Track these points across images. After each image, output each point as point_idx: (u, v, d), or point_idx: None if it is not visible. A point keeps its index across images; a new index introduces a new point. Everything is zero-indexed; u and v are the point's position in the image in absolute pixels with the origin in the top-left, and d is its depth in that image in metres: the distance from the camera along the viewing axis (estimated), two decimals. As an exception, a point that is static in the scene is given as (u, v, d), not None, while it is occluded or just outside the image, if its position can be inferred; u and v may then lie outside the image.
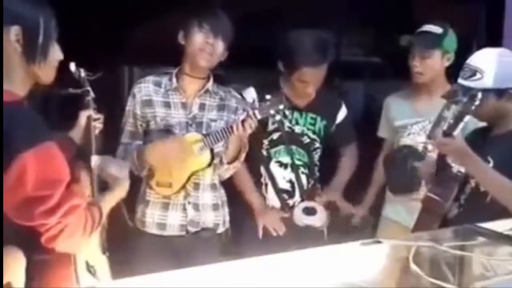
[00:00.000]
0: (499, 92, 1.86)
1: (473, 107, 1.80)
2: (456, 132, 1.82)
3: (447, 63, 2.39)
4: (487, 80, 1.84)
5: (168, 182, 2.12)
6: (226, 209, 2.26)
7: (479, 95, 1.79)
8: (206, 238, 2.17)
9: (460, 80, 1.90)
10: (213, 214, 2.20)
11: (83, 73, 1.81)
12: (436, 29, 2.36)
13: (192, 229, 2.16)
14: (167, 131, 2.13)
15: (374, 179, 2.62)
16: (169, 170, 2.10)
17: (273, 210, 2.42)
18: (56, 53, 1.41)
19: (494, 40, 2.91)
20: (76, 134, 1.79)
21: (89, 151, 1.72)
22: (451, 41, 2.38)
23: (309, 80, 2.29)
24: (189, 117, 2.14)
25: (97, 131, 1.82)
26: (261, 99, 2.26)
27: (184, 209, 2.16)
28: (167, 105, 2.15)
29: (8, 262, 1.26)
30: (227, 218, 2.27)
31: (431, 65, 2.36)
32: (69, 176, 1.33)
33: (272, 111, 2.04)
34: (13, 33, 1.32)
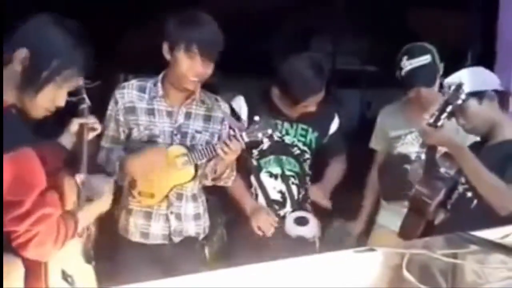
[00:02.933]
0: (478, 95, 1.94)
1: (459, 100, 1.85)
2: (440, 123, 1.88)
3: (440, 72, 2.41)
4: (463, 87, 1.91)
5: (150, 192, 2.07)
6: (206, 216, 2.23)
7: (465, 87, 1.85)
8: (189, 247, 2.14)
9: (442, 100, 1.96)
10: (195, 223, 2.17)
11: (81, 81, 1.81)
12: (425, 59, 2.33)
13: (176, 239, 2.13)
14: (151, 141, 2.06)
15: (366, 197, 2.63)
16: (151, 181, 2.05)
17: (265, 209, 2.39)
18: (53, 97, 1.39)
19: (488, 47, 2.94)
20: (66, 140, 1.76)
21: (81, 158, 1.71)
22: (438, 57, 2.39)
23: (312, 103, 2.31)
24: (174, 126, 2.07)
25: (89, 137, 1.81)
26: (250, 109, 2.27)
27: (167, 219, 2.11)
28: (151, 112, 2.07)
29: None
30: (207, 224, 2.23)
31: (435, 88, 2.37)
32: (45, 184, 1.31)
33: (260, 135, 1.98)
34: (22, 55, 1.32)
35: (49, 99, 1.39)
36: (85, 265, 1.62)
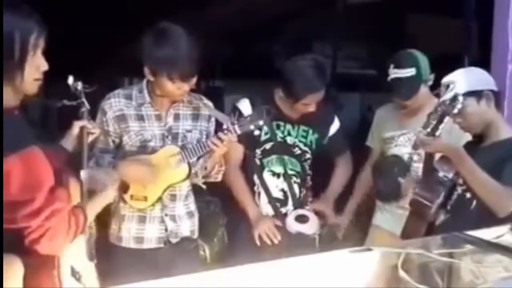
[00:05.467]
0: (476, 95, 1.97)
1: (454, 109, 1.89)
2: (438, 133, 1.92)
3: (430, 83, 2.43)
4: (460, 87, 1.95)
5: (143, 195, 2.09)
6: (197, 215, 2.26)
7: (460, 98, 1.89)
8: (185, 248, 2.17)
9: (441, 99, 1.99)
10: (189, 222, 2.20)
11: (80, 86, 1.83)
12: (410, 72, 2.34)
13: (173, 240, 2.15)
14: (143, 146, 2.09)
15: (356, 189, 2.67)
16: (144, 184, 2.07)
17: (268, 218, 2.44)
18: (37, 65, 1.40)
19: (483, 52, 2.96)
20: (68, 143, 1.81)
21: (81, 161, 1.74)
22: (425, 68, 2.39)
23: (312, 102, 2.37)
24: (164, 128, 2.11)
25: (89, 140, 1.84)
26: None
27: (162, 221, 2.14)
28: (141, 118, 2.10)
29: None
30: (197, 224, 2.26)
31: (420, 97, 2.39)
32: (53, 181, 1.34)
33: (252, 127, 2.02)
34: None
35: (34, 70, 1.40)
36: (88, 263, 1.66)
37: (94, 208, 1.58)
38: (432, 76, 2.41)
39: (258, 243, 2.40)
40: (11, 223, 1.29)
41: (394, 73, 2.37)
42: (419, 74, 2.36)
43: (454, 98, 1.89)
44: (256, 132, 2.07)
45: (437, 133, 1.92)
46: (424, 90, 2.39)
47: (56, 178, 1.36)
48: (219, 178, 2.19)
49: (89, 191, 1.64)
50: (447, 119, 1.91)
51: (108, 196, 1.69)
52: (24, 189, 1.28)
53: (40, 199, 1.30)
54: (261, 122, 2.02)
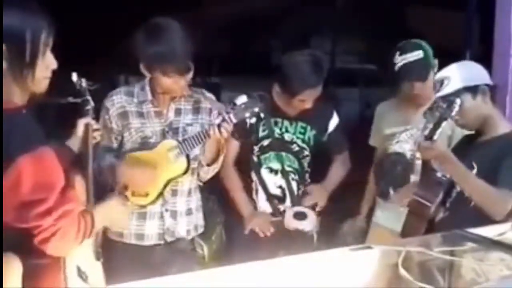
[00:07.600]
0: (471, 90, 1.95)
1: (452, 113, 1.88)
2: (436, 137, 1.90)
3: (435, 69, 2.41)
4: (455, 82, 1.94)
5: (144, 191, 2.07)
6: (200, 214, 2.23)
7: (458, 101, 1.87)
8: (183, 248, 2.15)
9: (436, 95, 1.99)
10: (186, 220, 2.16)
11: (84, 83, 1.83)
12: (417, 54, 2.32)
13: (168, 239, 2.13)
14: (144, 142, 2.08)
15: (367, 192, 2.63)
16: (144, 183, 2.05)
17: (262, 214, 2.44)
18: (47, 63, 1.40)
19: (485, 46, 2.94)
20: (73, 142, 1.80)
21: (86, 159, 1.73)
22: (431, 54, 2.38)
23: (308, 98, 2.35)
24: (165, 124, 2.10)
25: (94, 140, 1.83)
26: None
27: (161, 216, 2.12)
28: (141, 115, 2.10)
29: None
30: (200, 223, 2.23)
31: (429, 84, 2.33)
32: (64, 181, 1.35)
33: (247, 114, 2.01)
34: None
35: (44, 68, 1.40)
36: (95, 262, 1.65)
37: (99, 217, 1.54)
38: (436, 62, 2.38)
39: (247, 233, 2.39)
40: (22, 222, 1.29)
41: (402, 59, 2.33)
42: (427, 56, 2.34)
43: (452, 102, 1.87)
44: (253, 120, 2.06)
45: (435, 137, 1.90)
46: (431, 79, 2.36)
47: (66, 179, 1.37)
48: (221, 160, 2.14)
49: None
50: (444, 123, 1.90)
51: (118, 204, 1.65)
52: (36, 189, 1.28)
53: (52, 198, 1.30)
54: (256, 109, 2.01)
